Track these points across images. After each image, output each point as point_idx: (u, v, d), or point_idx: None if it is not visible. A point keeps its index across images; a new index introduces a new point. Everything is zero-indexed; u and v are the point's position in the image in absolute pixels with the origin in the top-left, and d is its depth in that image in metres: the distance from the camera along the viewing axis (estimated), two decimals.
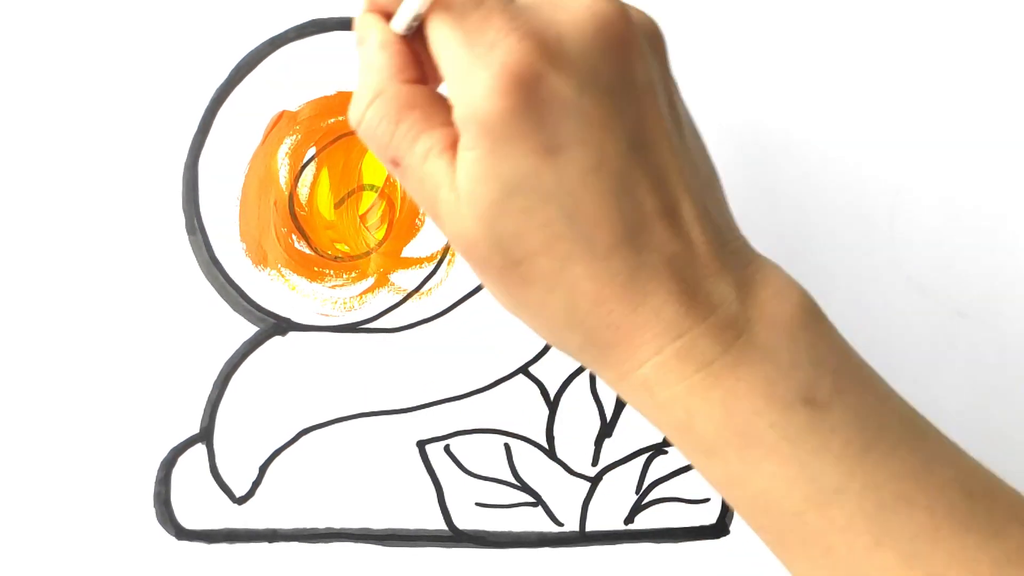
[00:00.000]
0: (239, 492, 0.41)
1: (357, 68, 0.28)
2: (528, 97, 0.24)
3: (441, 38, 0.25)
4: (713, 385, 0.26)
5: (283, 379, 0.41)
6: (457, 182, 0.25)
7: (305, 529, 0.41)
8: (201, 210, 0.41)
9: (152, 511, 0.40)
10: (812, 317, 0.27)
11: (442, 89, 0.27)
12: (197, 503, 0.40)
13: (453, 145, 0.26)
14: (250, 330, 0.41)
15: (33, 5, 0.40)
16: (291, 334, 0.41)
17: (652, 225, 0.26)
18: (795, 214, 0.41)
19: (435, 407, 0.41)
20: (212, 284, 0.41)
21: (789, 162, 0.41)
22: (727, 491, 0.28)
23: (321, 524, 0.41)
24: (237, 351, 0.41)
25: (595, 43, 0.25)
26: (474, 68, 0.24)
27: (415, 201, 0.28)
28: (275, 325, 0.41)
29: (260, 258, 0.41)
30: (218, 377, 0.40)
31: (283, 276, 0.41)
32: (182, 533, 0.40)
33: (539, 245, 0.25)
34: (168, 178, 0.41)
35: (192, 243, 0.41)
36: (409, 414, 0.41)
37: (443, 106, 0.27)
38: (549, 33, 0.25)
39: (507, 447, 0.41)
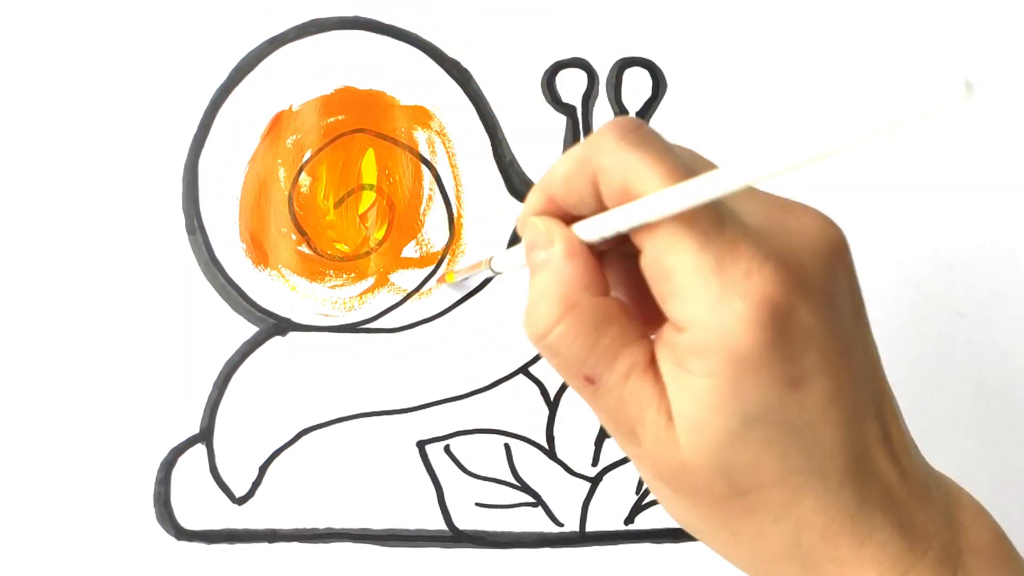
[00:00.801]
0: (239, 492, 0.41)
1: (533, 276, 0.26)
2: (782, 329, 0.23)
3: (678, 254, 0.23)
4: None
5: (283, 379, 0.41)
6: (677, 407, 0.24)
7: (305, 529, 0.41)
8: (201, 210, 0.41)
9: (152, 511, 0.40)
10: (1004, 543, 0.27)
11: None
12: (197, 503, 0.40)
13: (653, 362, 0.25)
14: (250, 330, 0.41)
15: (33, 5, 0.40)
16: (291, 334, 0.41)
17: (875, 455, 0.25)
18: None
19: (435, 407, 0.41)
20: (212, 284, 0.41)
21: None
22: None
23: (321, 524, 0.41)
24: (237, 351, 0.41)
25: (831, 270, 0.24)
26: (728, 296, 0.23)
27: (605, 422, 0.26)
28: (275, 325, 0.41)
29: (260, 258, 0.41)
30: (218, 377, 0.40)
31: (283, 276, 0.41)
32: (182, 533, 0.40)
33: (773, 477, 0.24)
34: (168, 178, 0.40)
35: (192, 243, 0.41)
36: (409, 414, 0.41)
37: (634, 322, 0.26)
38: (793, 260, 0.23)
39: (507, 447, 0.41)
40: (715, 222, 0.23)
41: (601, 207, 0.25)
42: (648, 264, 0.24)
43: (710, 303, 0.23)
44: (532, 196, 0.27)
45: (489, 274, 0.35)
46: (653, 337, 0.25)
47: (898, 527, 0.25)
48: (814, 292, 0.24)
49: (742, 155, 0.22)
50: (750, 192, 0.25)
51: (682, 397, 0.24)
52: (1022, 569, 0.27)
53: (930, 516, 0.26)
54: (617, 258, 0.27)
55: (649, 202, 0.23)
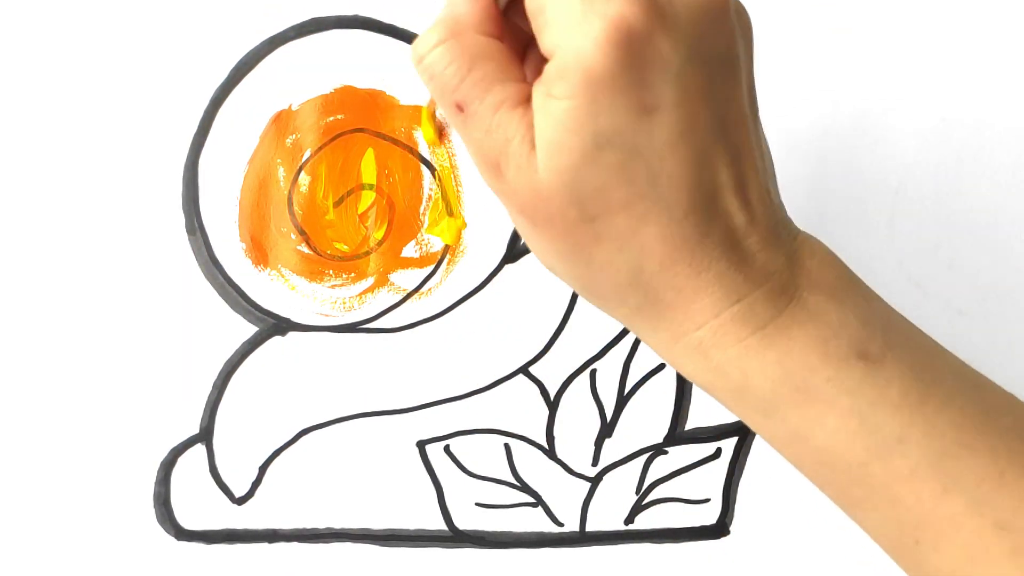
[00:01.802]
0: (239, 492, 0.41)
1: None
2: (636, 53, 0.24)
3: None
4: (769, 346, 0.27)
5: (283, 379, 0.41)
6: (539, 132, 0.25)
7: (305, 529, 0.41)
8: (201, 210, 0.41)
9: (152, 511, 0.40)
10: (854, 283, 0.29)
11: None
12: (197, 503, 0.40)
13: (527, 101, 0.26)
14: (250, 330, 0.41)
15: (33, 5, 0.40)
16: (291, 334, 0.41)
17: (724, 197, 0.27)
18: (795, 215, 0.41)
19: (435, 407, 0.41)
20: (212, 284, 0.41)
21: (790, 163, 0.41)
22: (788, 449, 0.28)
23: (321, 524, 0.41)
24: (237, 351, 0.41)
25: (701, 12, 0.26)
26: (586, 17, 0.24)
27: (472, 153, 0.28)
28: (275, 325, 0.41)
29: (260, 258, 0.41)
30: (218, 377, 0.40)
31: (283, 276, 0.41)
32: (182, 533, 0.40)
33: (619, 202, 0.26)
34: (168, 178, 0.40)
35: (192, 243, 0.41)
36: (409, 414, 0.41)
37: (515, 65, 0.27)
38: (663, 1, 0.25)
39: (507, 447, 0.41)
40: None
41: None
42: (529, 3, 0.26)
43: (571, 25, 0.24)
44: None
45: None
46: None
47: (736, 262, 0.27)
48: (677, 27, 0.25)
49: None
50: None
51: (544, 122, 0.25)
52: (860, 300, 0.28)
53: (772, 256, 0.27)
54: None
55: None
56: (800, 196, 0.41)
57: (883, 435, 0.26)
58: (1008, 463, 0.26)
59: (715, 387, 0.28)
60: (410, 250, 0.41)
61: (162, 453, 0.40)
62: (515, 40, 0.28)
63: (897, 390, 0.27)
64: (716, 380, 0.28)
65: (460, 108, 0.27)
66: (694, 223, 0.26)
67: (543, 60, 0.26)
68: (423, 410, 0.41)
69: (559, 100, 0.25)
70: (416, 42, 0.27)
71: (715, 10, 0.26)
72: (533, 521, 0.41)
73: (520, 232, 0.29)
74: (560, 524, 0.41)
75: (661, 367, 0.41)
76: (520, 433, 0.41)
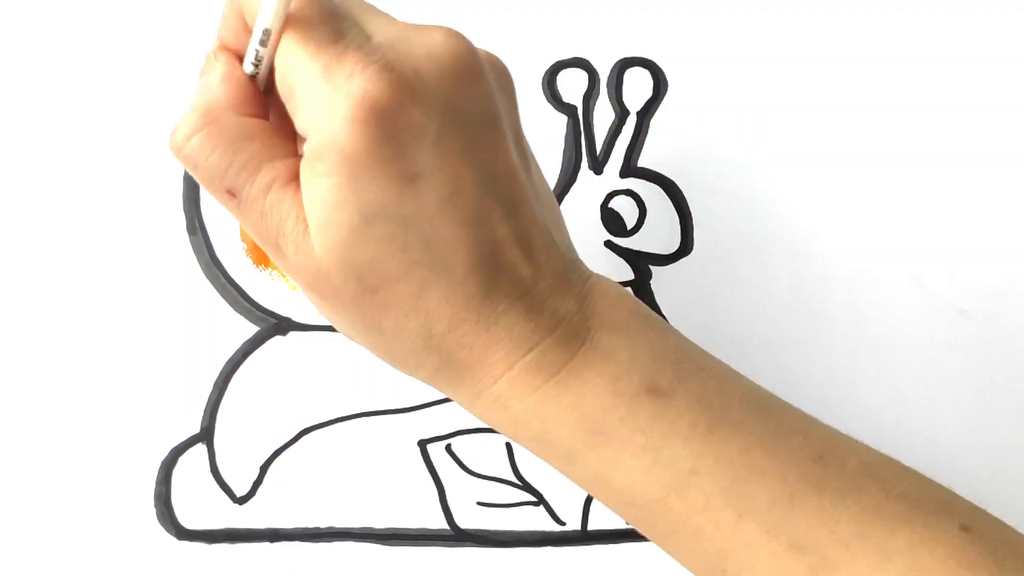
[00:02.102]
0: (240, 492, 0.40)
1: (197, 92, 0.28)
2: (387, 127, 0.24)
3: (296, 69, 0.25)
4: (563, 391, 0.27)
5: (284, 379, 0.41)
6: (308, 211, 0.26)
7: (306, 529, 0.41)
8: (202, 210, 0.41)
9: (152, 511, 0.40)
10: (646, 320, 0.29)
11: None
12: (198, 503, 0.40)
13: (296, 178, 0.26)
14: (251, 330, 0.41)
15: (34, 5, 0.40)
16: (292, 334, 0.41)
17: (505, 251, 0.27)
18: (797, 216, 0.41)
19: (436, 406, 0.41)
20: (213, 284, 0.41)
21: (792, 164, 0.41)
22: (595, 491, 0.29)
23: (322, 524, 0.41)
24: (238, 351, 0.40)
25: (451, 77, 0.26)
26: (333, 98, 0.24)
27: (252, 235, 0.28)
28: (276, 325, 0.41)
29: (261, 258, 0.41)
30: (219, 377, 0.40)
31: (284, 276, 0.41)
32: (182, 533, 0.40)
33: (397, 271, 0.26)
34: (169, 178, 0.40)
35: (193, 243, 0.41)
36: (410, 413, 0.41)
37: (282, 141, 0.27)
38: (406, 66, 0.25)
39: (508, 446, 0.41)
40: (330, 35, 0.25)
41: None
42: (279, 85, 0.26)
43: (320, 107, 0.25)
44: (211, 47, 0.28)
45: None
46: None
47: (525, 312, 0.27)
48: (427, 94, 0.25)
49: None
50: (390, 19, 0.27)
51: (312, 200, 0.25)
52: (652, 336, 0.28)
53: (562, 302, 0.28)
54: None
55: (266, 8, 0.25)
56: (802, 198, 0.41)
57: (677, 469, 0.27)
58: (797, 484, 0.26)
59: (520, 437, 0.29)
60: None
61: (163, 452, 0.40)
62: (283, 115, 0.28)
63: (687, 422, 0.27)
64: (519, 431, 0.28)
65: (232, 194, 0.27)
66: (476, 281, 0.26)
67: None
68: (424, 409, 0.41)
69: (321, 178, 0.25)
70: (173, 132, 0.27)
71: (466, 73, 0.26)
72: (535, 520, 0.41)
73: (315, 306, 0.29)
74: (562, 523, 0.41)
75: None
76: None
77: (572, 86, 0.41)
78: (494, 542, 0.41)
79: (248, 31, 0.27)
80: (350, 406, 0.41)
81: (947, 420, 0.41)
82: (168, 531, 0.40)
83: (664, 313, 0.41)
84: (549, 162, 0.41)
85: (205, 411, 0.40)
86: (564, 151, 0.41)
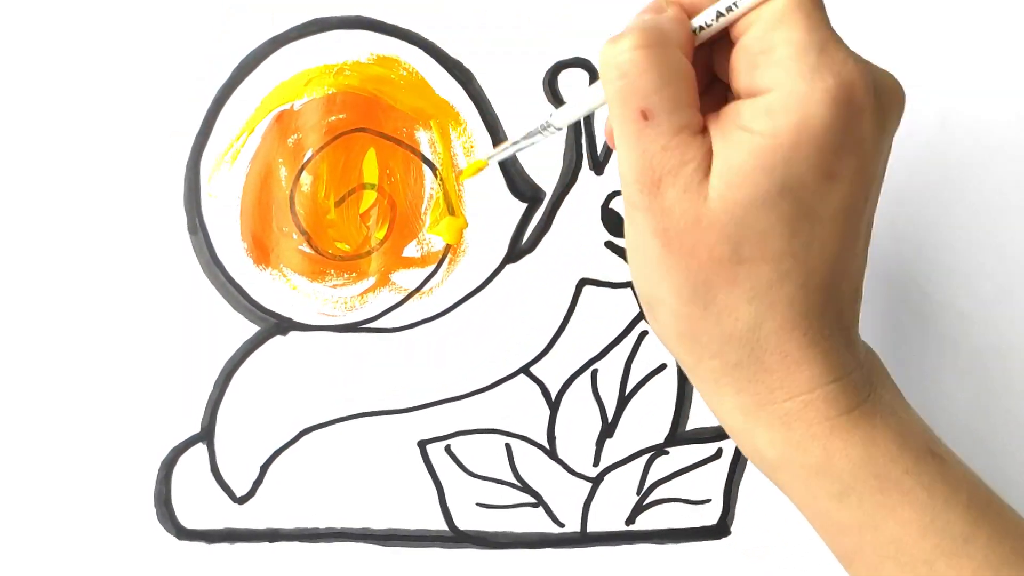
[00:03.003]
0: (240, 492, 0.41)
1: (635, 20, 0.27)
2: (848, 120, 0.25)
3: (788, 31, 0.25)
4: (854, 429, 0.27)
5: (284, 379, 0.41)
6: (724, 161, 0.25)
7: (306, 529, 0.41)
8: (202, 210, 0.41)
9: (152, 511, 0.40)
10: (901, 392, 0.30)
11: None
12: (198, 503, 0.40)
13: (704, 131, 0.26)
14: (251, 329, 0.41)
15: (35, 6, 0.40)
16: (292, 334, 0.41)
17: (848, 281, 0.28)
18: None
19: (436, 407, 0.41)
20: (213, 284, 0.41)
21: None
22: (856, 536, 0.28)
23: (322, 524, 0.41)
24: (238, 350, 0.41)
25: (891, 108, 0.27)
26: (820, 69, 0.25)
27: (633, 163, 0.27)
28: (276, 325, 0.41)
29: (261, 258, 0.41)
30: (219, 376, 0.40)
31: (284, 276, 0.41)
32: (182, 533, 0.40)
33: (773, 253, 0.26)
34: (169, 178, 0.41)
35: (193, 243, 0.41)
36: (410, 414, 0.41)
37: (696, 92, 0.27)
38: (874, 79, 0.26)
39: (508, 447, 0.41)
40: (825, 17, 0.25)
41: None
42: (751, 40, 0.26)
43: (803, 72, 0.25)
44: None
45: (535, 141, 0.34)
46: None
47: (843, 344, 0.28)
48: (876, 112, 0.26)
49: None
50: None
51: (734, 152, 0.25)
52: (908, 413, 0.29)
53: (859, 347, 0.29)
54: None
55: None
56: None
57: (952, 533, 0.27)
58: None
59: (788, 462, 0.28)
60: (411, 250, 0.41)
61: (163, 452, 0.40)
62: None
63: (966, 490, 0.27)
64: (793, 455, 0.28)
65: (645, 116, 0.26)
66: (823, 296, 0.27)
67: (715, 102, 0.28)
68: (424, 410, 0.41)
69: (757, 135, 0.25)
70: (612, 42, 0.26)
71: (898, 108, 0.28)
72: (534, 521, 0.41)
73: (635, 255, 0.28)
74: (561, 524, 0.41)
75: (662, 367, 0.41)
76: (521, 433, 0.41)
77: (572, 86, 0.41)
78: (493, 543, 0.41)
79: None
80: (350, 406, 0.41)
81: (945, 420, 0.41)
82: (168, 531, 0.40)
83: None
84: (550, 162, 0.41)
85: (205, 411, 0.40)
86: (564, 151, 0.41)
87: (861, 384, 0.28)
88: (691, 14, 0.27)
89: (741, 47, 0.27)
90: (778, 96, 0.25)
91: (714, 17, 0.27)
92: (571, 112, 0.31)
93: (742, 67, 0.26)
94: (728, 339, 0.27)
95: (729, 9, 0.26)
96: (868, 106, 0.25)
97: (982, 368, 0.41)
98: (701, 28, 0.27)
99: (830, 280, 0.27)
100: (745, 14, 0.26)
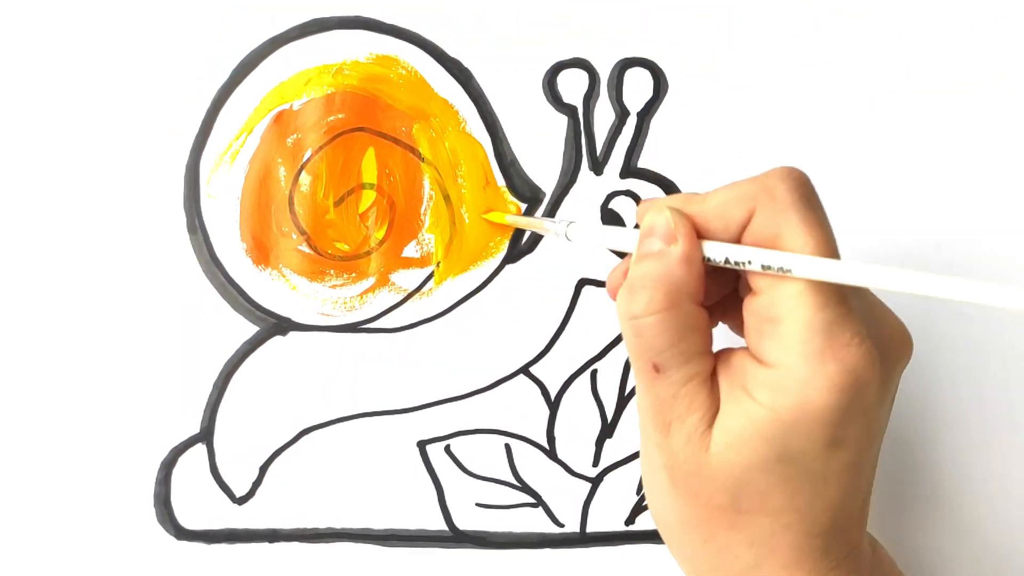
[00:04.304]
0: (239, 492, 0.41)
1: (641, 259, 0.28)
2: (855, 398, 0.26)
3: (796, 308, 0.26)
4: None
5: (283, 379, 0.41)
6: (728, 421, 0.27)
7: (305, 529, 0.41)
8: (202, 210, 0.41)
9: (152, 511, 0.40)
10: None
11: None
12: (197, 503, 0.40)
13: (713, 375, 0.28)
14: (250, 330, 0.41)
15: (35, 6, 0.40)
16: (291, 334, 0.41)
17: (853, 517, 0.28)
18: None
19: (435, 407, 0.41)
20: (213, 284, 0.40)
21: (794, 165, 0.41)
22: None
23: (322, 524, 0.41)
24: (237, 351, 0.40)
25: (897, 368, 0.28)
26: (824, 354, 0.25)
27: (647, 407, 0.28)
28: (275, 325, 0.41)
29: (261, 258, 0.41)
30: (218, 377, 0.40)
31: (283, 276, 0.41)
32: (182, 533, 0.40)
33: (774, 508, 0.27)
34: (169, 178, 0.40)
35: (193, 243, 0.41)
36: (409, 414, 0.41)
37: (709, 334, 0.28)
38: (881, 348, 0.26)
39: (508, 447, 0.41)
40: (837, 293, 0.26)
41: (736, 239, 0.27)
42: (759, 305, 0.27)
43: (807, 356, 0.25)
44: (678, 197, 0.29)
45: (551, 234, 0.36)
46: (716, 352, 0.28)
47: (850, 568, 0.28)
48: (883, 379, 0.27)
49: (890, 268, 0.25)
50: (858, 288, 0.28)
51: (736, 416, 0.26)
52: None
53: (863, 568, 0.29)
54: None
55: (800, 260, 0.26)
56: None
57: None
58: None
59: None
60: (411, 250, 0.41)
61: (163, 453, 0.40)
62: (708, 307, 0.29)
63: None
64: None
65: (656, 369, 0.27)
66: (826, 539, 0.28)
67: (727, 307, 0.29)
68: (424, 410, 0.41)
69: (760, 406, 0.26)
70: (628, 299, 0.27)
71: (903, 365, 0.28)
72: (534, 521, 0.41)
73: (647, 483, 0.30)
74: (561, 524, 0.41)
75: None
76: (521, 433, 0.41)
77: (572, 86, 0.41)
78: (493, 543, 0.41)
79: (740, 227, 0.27)
80: (350, 406, 0.41)
81: (945, 421, 0.41)
82: (168, 531, 0.40)
83: None
84: (549, 163, 0.41)
85: (205, 411, 0.40)
86: (564, 152, 0.41)
87: None
88: (701, 230, 0.28)
89: (750, 307, 0.27)
90: (781, 375, 0.26)
91: (722, 260, 0.27)
92: (589, 239, 0.34)
93: (750, 324, 0.27)
94: (726, 573, 0.28)
95: (739, 264, 0.27)
96: (874, 380, 0.26)
97: (982, 368, 0.41)
98: (710, 260, 0.28)
99: (834, 524, 0.28)
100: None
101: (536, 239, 0.41)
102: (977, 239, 0.41)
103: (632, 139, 0.41)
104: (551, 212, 0.41)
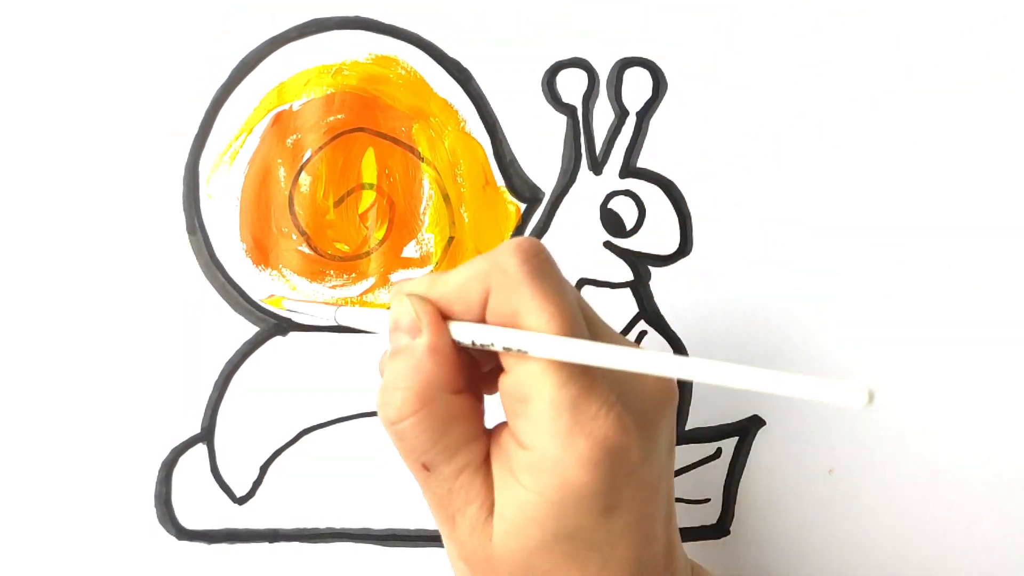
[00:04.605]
0: (240, 492, 0.41)
1: (392, 357, 0.28)
2: (612, 467, 0.25)
3: (541, 388, 0.26)
4: None
5: (284, 379, 0.41)
6: (501, 509, 0.27)
7: (306, 529, 0.41)
8: (202, 210, 0.41)
9: (153, 511, 0.40)
10: None
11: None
12: (198, 503, 0.40)
13: (487, 460, 0.27)
14: (251, 330, 0.41)
15: (35, 6, 0.40)
16: (291, 334, 0.41)
17: (656, 562, 0.28)
18: (797, 216, 0.41)
19: None
20: (213, 284, 0.41)
21: (792, 165, 0.41)
22: None
23: (322, 524, 0.41)
24: (238, 351, 0.41)
25: (662, 416, 0.28)
26: (574, 433, 0.25)
27: (430, 503, 0.29)
28: (275, 325, 0.41)
29: (261, 258, 0.41)
30: (219, 377, 0.40)
31: (284, 276, 0.41)
32: (183, 533, 0.40)
33: None
34: (169, 178, 0.40)
35: (193, 243, 0.41)
36: None
37: (477, 420, 0.28)
38: (635, 407, 0.26)
39: None
40: (580, 365, 0.25)
41: (482, 316, 0.27)
42: (509, 385, 0.27)
43: (556, 435, 0.25)
44: (418, 282, 0.28)
45: (322, 320, 0.36)
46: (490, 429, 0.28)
47: None
48: (645, 435, 0.26)
49: (625, 347, 0.25)
50: (611, 332, 0.28)
51: (508, 503, 0.26)
52: None
53: None
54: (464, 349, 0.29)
55: (535, 339, 0.25)
56: (804, 199, 0.41)
57: None
58: None
59: None
60: (410, 250, 0.41)
61: (163, 453, 0.40)
62: (475, 387, 0.29)
63: None
64: None
65: (426, 468, 0.27)
66: None
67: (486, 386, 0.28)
68: None
69: (526, 491, 0.26)
70: (385, 402, 0.27)
71: (671, 412, 0.28)
72: None
73: (453, 566, 0.30)
74: None
75: None
76: None
77: (572, 86, 0.41)
78: None
79: (481, 305, 0.27)
80: (350, 406, 0.41)
81: (945, 421, 0.41)
82: (168, 531, 0.40)
83: (663, 313, 0.41)
84: (548, 163, 0.41)
85: (205, 411, 0.40)
86: (563, 151, 0.41)
87: None
88: (447, 312, 0.27)
89: (502, 386, 0.27)
90: (538, 457, 0.26)
91: (470, 343, 0.27)
92: (354, 322, 0.33)
93: (505, 404, 0.27)
94: None
95: (483, 346, 0.27)
96: (631, 444, 0.26)
97: (982, 368, 0.41)
98: (460, 341, 0.27)
99: (641, 564, 0.27)
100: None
101: (537, 237, 0.41)
102: (977, 239, 0.41)
103: (631, 139, 0.41)
104: (551, 212, 0.41)
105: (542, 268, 0.27)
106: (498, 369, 0.28)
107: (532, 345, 0.25)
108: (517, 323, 0.26)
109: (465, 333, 0.27)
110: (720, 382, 0.23)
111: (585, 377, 0.25)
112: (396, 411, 0.27)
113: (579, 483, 0.25)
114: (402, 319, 0.28)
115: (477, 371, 0.29)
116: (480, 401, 0.29)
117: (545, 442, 0.25)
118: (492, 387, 0.29)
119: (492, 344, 0.26)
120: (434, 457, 0.27)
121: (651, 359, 0.24)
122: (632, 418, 0.26)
